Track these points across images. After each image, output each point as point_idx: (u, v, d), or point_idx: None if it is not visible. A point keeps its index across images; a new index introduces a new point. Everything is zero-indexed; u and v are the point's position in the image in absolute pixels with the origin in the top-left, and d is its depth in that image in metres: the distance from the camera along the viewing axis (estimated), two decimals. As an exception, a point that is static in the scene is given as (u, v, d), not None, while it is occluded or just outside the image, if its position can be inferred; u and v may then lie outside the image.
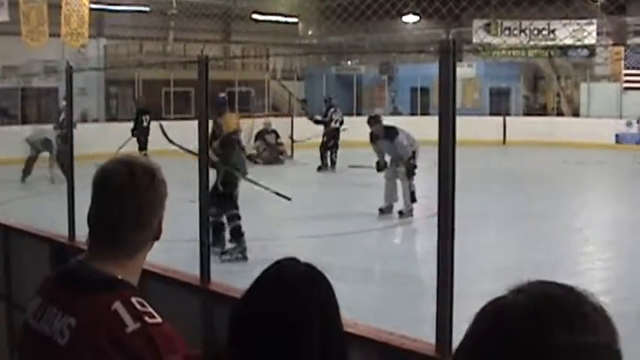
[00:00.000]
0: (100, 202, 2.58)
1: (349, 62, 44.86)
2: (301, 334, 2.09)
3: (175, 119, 33.81)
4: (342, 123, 28.13)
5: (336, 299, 2.22)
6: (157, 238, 2.62)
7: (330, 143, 27.42)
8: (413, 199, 17.40)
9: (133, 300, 2.41)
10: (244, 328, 2.14)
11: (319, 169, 27.28)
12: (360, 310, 4.47)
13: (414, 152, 17.44)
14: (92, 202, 2.60)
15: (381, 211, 17.53)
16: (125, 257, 2.53)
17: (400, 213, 17.42)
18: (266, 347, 2.09)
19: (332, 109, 28.36)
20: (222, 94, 16.23)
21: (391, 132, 17.75)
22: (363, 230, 16.04)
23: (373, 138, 18.00)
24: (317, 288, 2.18)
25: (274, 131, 29.91)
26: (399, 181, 17.54)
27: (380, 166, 18.04)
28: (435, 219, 3.71)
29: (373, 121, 18.26)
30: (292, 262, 2.26)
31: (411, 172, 17.33)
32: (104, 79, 38.06)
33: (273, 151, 29.60)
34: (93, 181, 2.59)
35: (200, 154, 5.74)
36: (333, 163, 27.30)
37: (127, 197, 2.52)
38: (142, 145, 25.65)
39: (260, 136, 29.83)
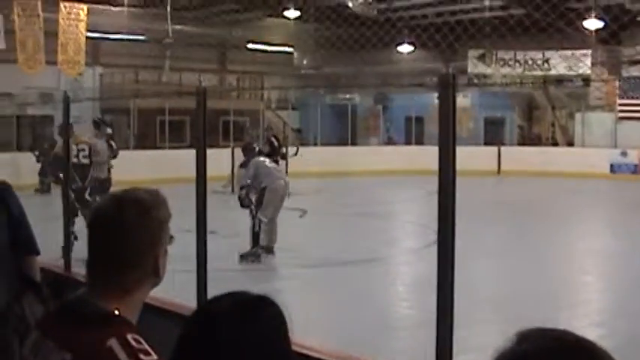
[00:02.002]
0: (91, 238, 2.54)
1: (347, 96, 44.75)
2: None
3: (170, 148, 33.84)
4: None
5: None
6: (156, 275, 2.55)
7: None
8: (255, 242, 15.51)
9: (129, 337, 2.35)
10: None
11: None
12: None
13: (263, 189, 15.67)
14: (87, 238, 2.56)
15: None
16: (122, 293, 2.47)
17: (240, 257, 15.33)
18: None
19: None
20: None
21: (248, 158, 16.50)
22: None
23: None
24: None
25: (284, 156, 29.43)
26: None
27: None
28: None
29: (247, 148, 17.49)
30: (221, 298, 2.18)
31: (243, 205, 15.68)
32: (99, 107, 38.03)
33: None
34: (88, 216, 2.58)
35: (197, 181, 5.69)
36: None
37: (113, 234, 2.48)
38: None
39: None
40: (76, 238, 13.19)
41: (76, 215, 15.39)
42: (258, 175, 15.88)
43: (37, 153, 28.00)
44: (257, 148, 19.15)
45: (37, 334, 2.53)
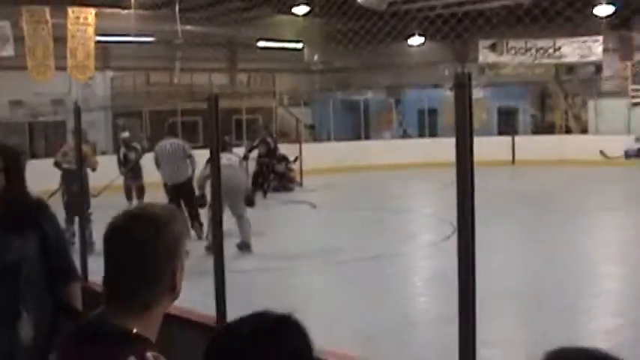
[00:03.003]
0: (107, 254, 2.53)
1: (359, 93, 44.59)
2: None
3: (184, 149, 33.80)
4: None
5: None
6: (174, 290, 2.54)
7: None
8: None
9: (149, 355, 2.35)
10: None
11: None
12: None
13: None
14: (104, 253, 2.56)
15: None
16: (141, 310, 2.47)
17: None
18: None
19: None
20: None
21: None
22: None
23: None
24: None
25: (285, 158, 29.21)
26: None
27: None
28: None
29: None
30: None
31: (201, 205, 16.33)
32: (111, 111, 38.02)
33: (282, 180, 28.76)
34: (103, 234, 2.55)
35: (213, 185, 5.68)
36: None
37: (129, 250, 2.47)
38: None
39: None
40: (73, 243, 13.24)
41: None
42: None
43: None
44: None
45: (57, 356, 2.53)
